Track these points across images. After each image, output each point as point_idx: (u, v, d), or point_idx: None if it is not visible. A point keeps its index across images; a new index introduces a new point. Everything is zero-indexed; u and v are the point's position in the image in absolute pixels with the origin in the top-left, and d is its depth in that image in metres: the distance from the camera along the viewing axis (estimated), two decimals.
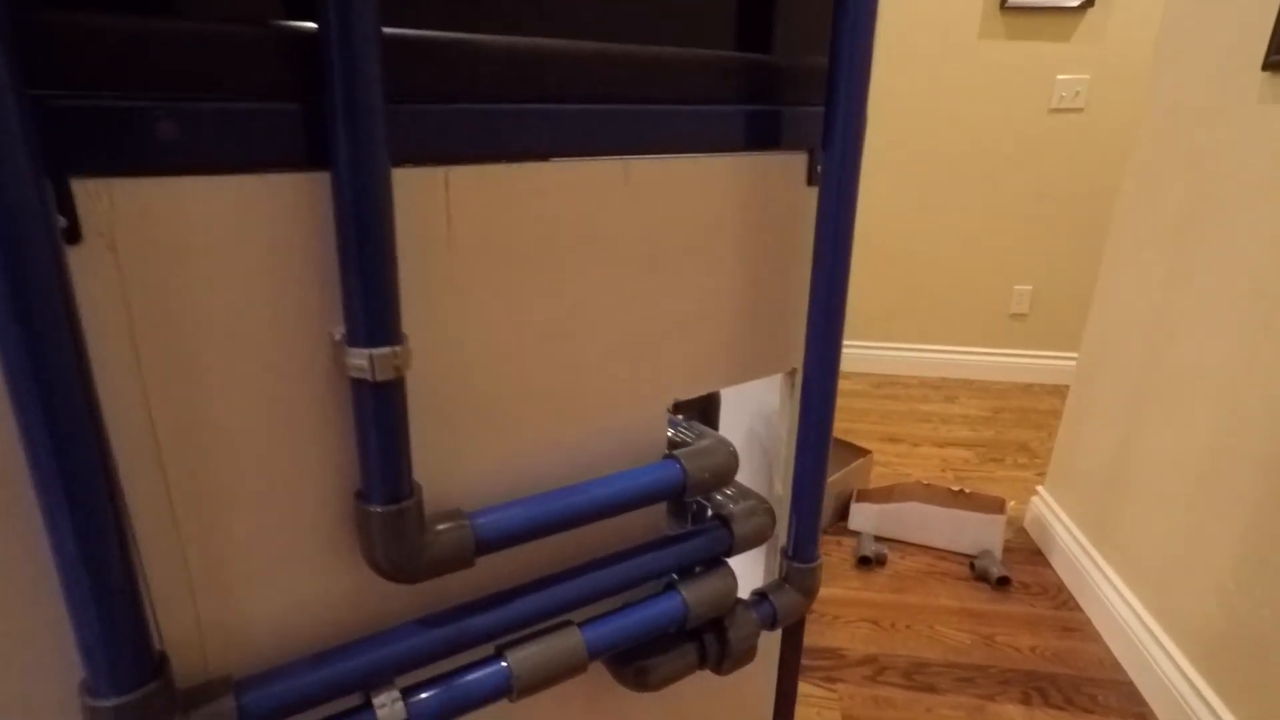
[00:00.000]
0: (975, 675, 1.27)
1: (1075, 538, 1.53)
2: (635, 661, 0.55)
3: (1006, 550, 1.63)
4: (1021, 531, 1.72)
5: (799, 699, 1.17)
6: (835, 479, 1.67)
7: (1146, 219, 1.38)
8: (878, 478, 1.90)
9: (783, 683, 0.77)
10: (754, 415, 0.75)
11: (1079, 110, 2.37)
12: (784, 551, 0.64)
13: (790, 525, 0.63)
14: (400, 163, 0.39)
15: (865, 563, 1.57)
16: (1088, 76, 2.33)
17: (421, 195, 0.40)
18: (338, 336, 0.39)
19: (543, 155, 0.44)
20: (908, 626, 1.39)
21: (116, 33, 0.31)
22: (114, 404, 0.34)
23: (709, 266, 0.54)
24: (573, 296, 0.48)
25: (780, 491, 0.68)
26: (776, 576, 0.65)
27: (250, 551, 0.41)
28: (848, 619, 1.41)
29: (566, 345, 0.49)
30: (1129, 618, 1.30)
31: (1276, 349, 1.01)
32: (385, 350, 0.37)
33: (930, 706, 1.20)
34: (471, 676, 0.46)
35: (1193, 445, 1.19)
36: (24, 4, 0.28)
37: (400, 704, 0.43)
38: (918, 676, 1.27)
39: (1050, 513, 1.64)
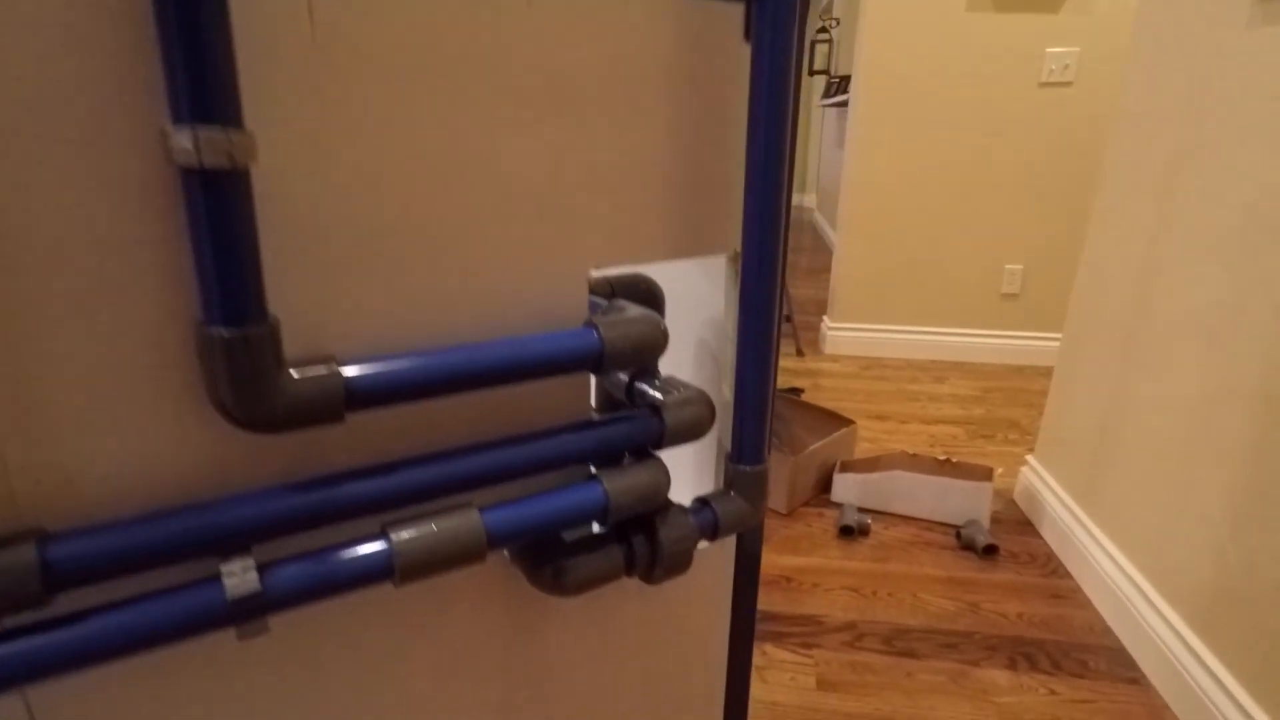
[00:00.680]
0: (959, 641, 1.21)
1: (1065, 504, 1.47)
2: (554, 561, 0.49)
3: (995, 522, 1.57)
4: (1011, 504, 1.66)
5: (772, 664, 1.11)
6: (817, 449, 1.61)
7: (1134, 166, 1.33)
8: (863, 453, 1.84)
9: (738, 616, 0.71)
10: (703, 324, 0.69)
11: (1068, 84, 2.33)
12: (728, 456, 0.58)
13: (734, 425, 0.57)
14: None
15: (847, 532, 1.51)
16: (1078, 49, 2.29)
17: None
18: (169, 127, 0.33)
19: None
20: (889, 594, 1.33)
21: None
22: None
23: (631, 120, 0.49)
24: (466, 126, 0.42)
25: (728, 396, 0.62)
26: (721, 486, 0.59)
27: (70, 387, 0.35)
28: (827, 587, 1.35)
29: (459, 184, 0.43)
30: (1120, 581, 1.24)
31: (1270, 280, 0.95)
32: (214, 131, 0.32)
33: (910, 671, 1.13)
34: (346, 553, 0.40)
35: (1182, 392, 1.13)
36: None
37: (253, 575, 0.37)
38: (898, 642, 1.20)
39: (1039, 481, 1.58)
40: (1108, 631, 1.23)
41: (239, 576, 0.37)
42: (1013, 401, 2.25)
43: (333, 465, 0.43)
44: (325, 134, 0.38)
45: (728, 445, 0.59)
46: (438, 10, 0.40)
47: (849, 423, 1.72)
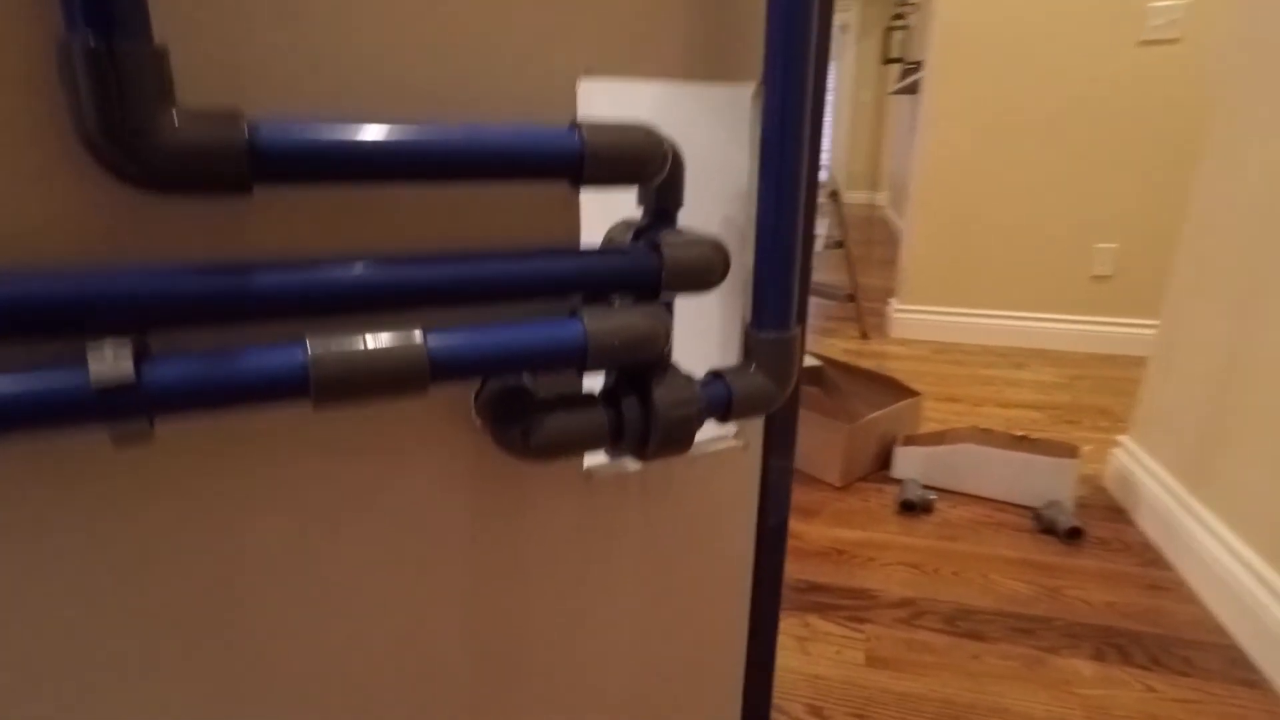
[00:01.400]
0: (1035, 626, 1.06)
1: (1167, 487, 1.29)
2: (524, 418, 0.41)
3: (1081, 507, 1.40)
4: (1099, 490, 1.48)
5: (816, 636, 1.00)
6: (875, 419, 1.48)
7: (1245, 128, 1.15)
8: (928, 428, 1.69)
9: (765, 542, 0.61)
10: (729, 199, 0.60)
11: (1173, 41, 2.11)
12: (748, 325, 0.48)
13: (755, 281, 0.47)
14: None
15: (909, 508, 1.37)
16: (1186, 0, 2.07)
17: None
18: None
19: None
20: (954, 573, 1.19)
21: None
22: None
23: None
24: None
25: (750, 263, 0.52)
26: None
27: None
28: (883, 561, 1.22)
29: None
30: (1237, 571, 1.06)
31: None
32: None
33: (976, 654, 1.00)
34: (251, 356, 0.33)
35: None
36: None
37: (127, 361, 0.30)
38: (962, 623, 1.06)
39: (1135, 464, 1.40)
40: (1219, 629, 1.06)
41: (109, 361, 0.30)
42: (1102, 389, 2.04)
43: (247, 256, 0.36)
44: None
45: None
46: None
47: (913, 394, 1.57)
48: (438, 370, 0.36)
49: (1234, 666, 0.98)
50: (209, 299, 0.32)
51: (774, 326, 0.47)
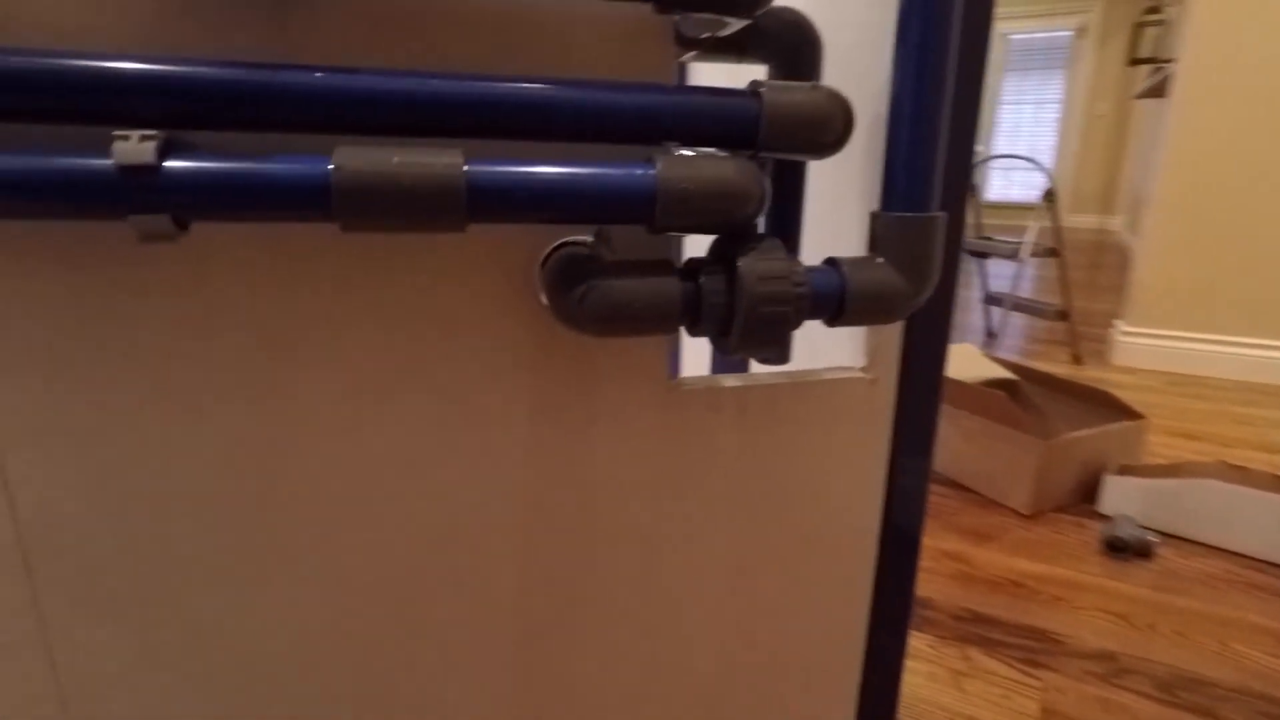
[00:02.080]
0: None
1: None
2: (587, 279, 0.35)
3: None
4: None
5: (976, 673, 0.83)
6: (1080, 438, 1.24)
7: None
8: (1152, 459, 1.39)
9: (892, 543, 0.50)
10: (875, 97, 0.50)
11: None
12: (875, 211, 0.39)
13: (886, 153, 0.38)
14: None
15: (1118, 549, 1.12)
16: None
17: None
18: None
19: None
20: (1177, 633, 0.94)
21: None
22: None
23: None
24: None
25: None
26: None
27: None
28: (1076, 604, 1.00)
29: None
30: None
31: None
32: None
33: None
34: (275, 161, 0.30)
35: None
36: None
37: (150, 145, 0.29)
38: (1184, 694, 0.83)
39: None
40: None
41: (133, 143, 0.29)
42: None
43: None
44: None
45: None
46: None
47: (1135, 416, 1.30)
48: (476, 201, 0.31)
49: None
50: (238, 95, 0.30)
51: (906, 206, 0.37)
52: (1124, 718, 0.79)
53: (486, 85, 0.32)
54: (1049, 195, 2.11)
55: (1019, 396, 1.51)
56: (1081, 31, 5.86)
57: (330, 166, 0.30)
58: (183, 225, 0.31)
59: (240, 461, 0.38)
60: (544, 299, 0.39)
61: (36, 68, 0.28)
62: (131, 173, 0.29)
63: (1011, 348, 2.41)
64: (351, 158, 0.30)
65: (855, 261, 0.38)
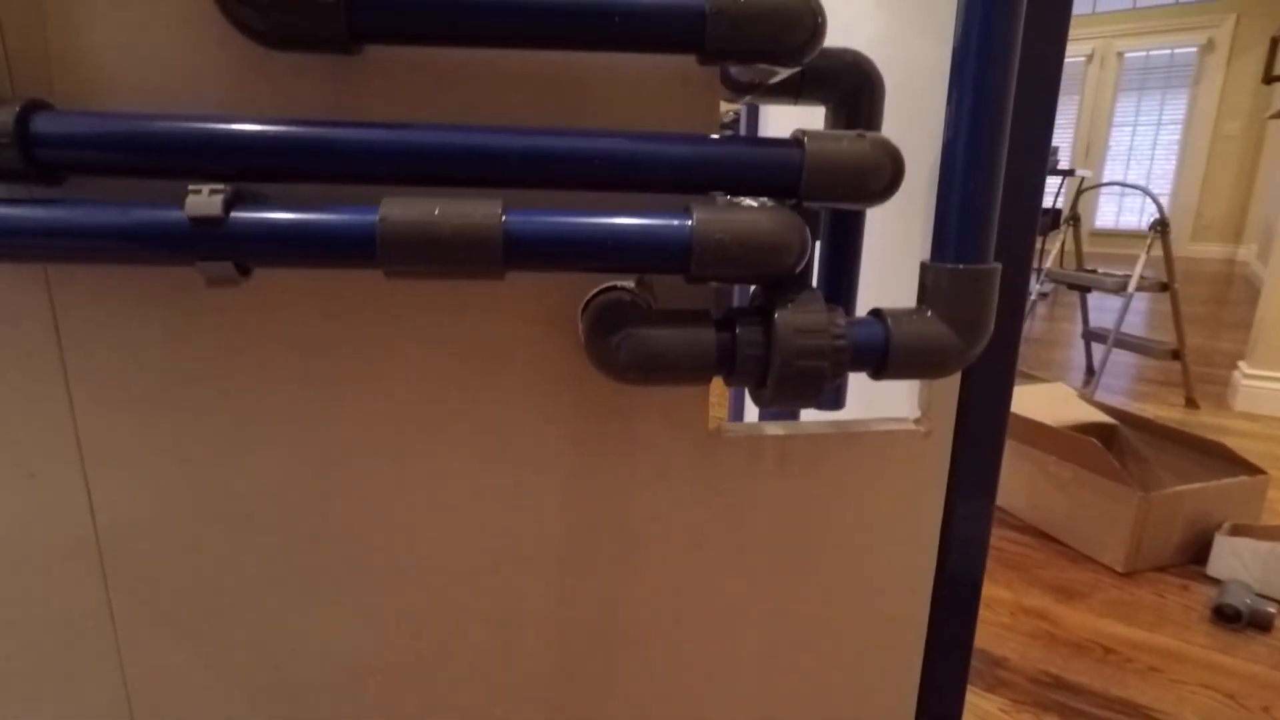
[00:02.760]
0: None
1: None
2: (624, 328, 0.35)
3: None
4: None
5: None
6: (1186, 492, 1.13)
7: None
8: (1273, 519, 1.25)
9: (948, 594, 0.47)
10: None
11: None
12: (925, 262, 0.37)
13: (937, 209, 0.36)
14: None
15: (1229, 618, 1.01)
16: None
17: None
18: None
19: None
20: None
21: None
22: None
23: None
24: None
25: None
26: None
27: None
28: (1177, 677, 0.91)
29: None
30: None
31: None
32: None
33: None
34: (326, 211, 0.32)
35: None
36: None
37: (219, 199, 0.31)
38: None
39: None
40: None
41: (203, 197, 0.31)
42: None
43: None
44: None
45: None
46: None
47: (1254, 470, 1.17)
48: (513, 250, 0.32)
49: None
50: (299, 151, 0.32)
51: (958, 258, 0.35)
52: None
53: (530, 138, 0.33)
54: (1159, 225, 1.96)
55: (1117, 443, 1.40)
56: (1208, 47, 5.45)
57: (379, 219, 0.32)
58: (245, 271, 0.33)
59: (292, 485, 0.40)
60: (582, 340, 0.40)
61: (125, 129, 0.31)
62: (201, 223, 0.31)
63: (1116, 388, 2.24)
64: (396, 208, 0.32)
65: (901, 314, 0.36)
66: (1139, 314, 3.39)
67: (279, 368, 0.38)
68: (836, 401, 0.51)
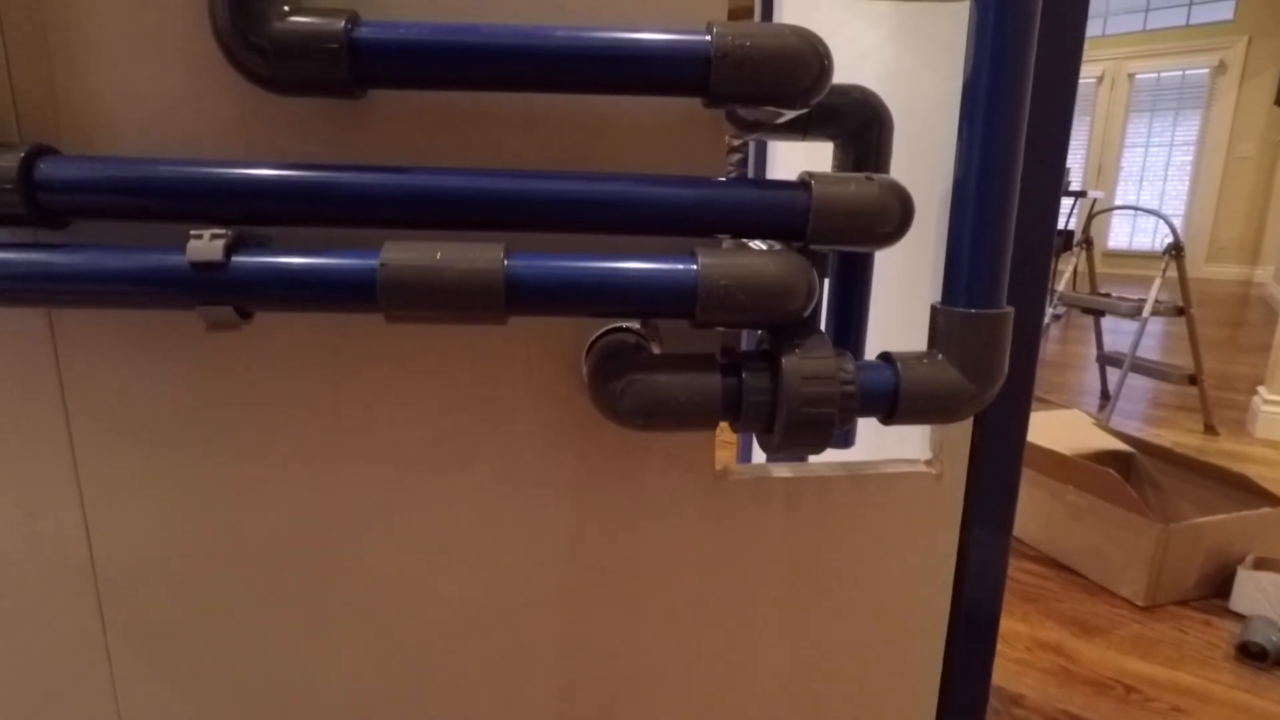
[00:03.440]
0: None
1: None
2: (629, 373, 0.34)
3: None
4: None
5: None
6: (1206, 524, 1.11)
7: None
8: None
9: (963, 628, 0.46)
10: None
11: None
12: (935, 305, 0.37)
13: (949, 245, 0.36)
14: None
15: (1254, 655, 0.98)
16: None
17: None
18: None
19: None
20: None
21: None
22: None
23: None
24: None
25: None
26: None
27: (107, 32, 0.33)
28: (1201, 718, 0.88)
29: None
30: None
31: None
32: None
33: None
34: (328, 256, 0.32)
35: None
36: None
37: (220, 244, 0.31)
38: None
39: None
40: None
41: (204, 242, 0.31)
42: None
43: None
44: None
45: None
46: None
47: (1277, 502, 1.15)
48: (514, 295, 0.32)
49: None
50: (302, 196, 0.32)
51: (969, 302, 0.35)
52: None
53: (533, 182, 0.33)
54: (1174, 249, 1.95)
55: (1134, 472, 1.37)
56: (1220, 69, 5.44)
57: (379, 263, 0.31)
58: (246, 315, 0.33)
59: (292, 527, 0.40)
60: (586, 383, 0.39)
61: (126, 175, 0.31)
62: (202, 269, 0.31)
63: (1132, 413, 2.21)
64: (397, 253, 0.31)
65: (911, 358, 0.36)
66: (1154, 336, 3.35)
67: (280, 407, 0.38)
68: (846, 440, 0.50)
